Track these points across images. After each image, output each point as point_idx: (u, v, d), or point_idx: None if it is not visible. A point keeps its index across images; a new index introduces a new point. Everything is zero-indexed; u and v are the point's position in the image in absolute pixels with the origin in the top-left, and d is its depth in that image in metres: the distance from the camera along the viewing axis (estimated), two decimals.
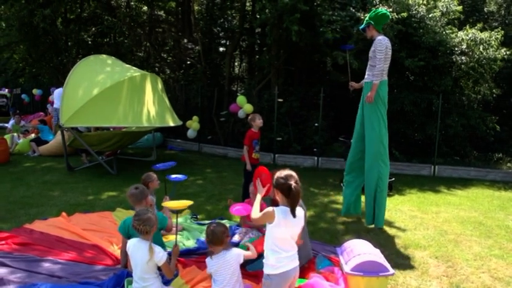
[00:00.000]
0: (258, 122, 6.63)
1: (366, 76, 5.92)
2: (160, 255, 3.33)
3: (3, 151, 9.99)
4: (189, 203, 3.76)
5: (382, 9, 6.01)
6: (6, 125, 15.02)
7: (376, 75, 5.66)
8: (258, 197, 3.35)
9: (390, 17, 5.80)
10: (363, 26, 5.87)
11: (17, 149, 11.52)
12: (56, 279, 3.80)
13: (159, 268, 3.48)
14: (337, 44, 10.79)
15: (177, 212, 3.75)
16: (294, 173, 3.09)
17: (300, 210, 3.12)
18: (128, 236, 3.93)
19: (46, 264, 4.08)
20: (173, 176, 5.26)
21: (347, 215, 6.42)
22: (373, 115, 5.84)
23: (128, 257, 3.73)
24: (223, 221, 5.71)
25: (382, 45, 5.57)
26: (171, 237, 4.82)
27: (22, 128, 13.52)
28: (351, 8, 11.14)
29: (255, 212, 3.17)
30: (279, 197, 3.08)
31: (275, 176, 3.11)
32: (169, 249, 4.08)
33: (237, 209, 4.11)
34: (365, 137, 5.96)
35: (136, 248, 3.36)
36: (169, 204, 3.79)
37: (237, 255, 3.29)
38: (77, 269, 4.04)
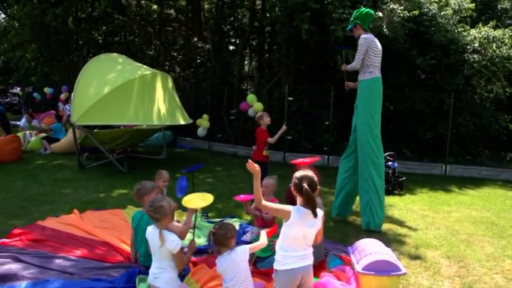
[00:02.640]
0: (266, 120, 6.68)
1: (359, 76, 5.91)
2: (175, 244, 3.28)
3: (16, 149, 10.09)
4: (210, 198, 3.64)
5: (366, 8, 6.05)
6: (18, 122, 15.16)
7: (351, 67, 5.81)
8: (257, 183, 3.13)
9: (374, 15, 5.90)
10: (349, 26, 5.92)
11: (29, 146, 11.62)
12: (68, 276, 3.83)
13: None
14: (348, 42, 10.73)
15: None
16: (310, 174, 3.11)
17: (319, 212, 3.12)
18: (134, 228, 4.05)
19: (58, 261, 4.11)
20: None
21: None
22: (362, 114, 5.80)
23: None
24: (234, 219, 5.73)
25: (362, 41, 5.65)
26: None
27: (38, 128, 13.52)
28: (362, 6, 11.06)
29: (257, 198, 3.04)
30: (298, 197, 3.10)
31: (293, 176, 3.14)
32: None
33: (240, 197, 4.21)
34: (356, 136, 5.95)
35: (151, 234, 3.37)
36: (189, 200, 3.68)
37: (242, 253, 3.23)
38: (89, 266, 4.07)
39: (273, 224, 4.51)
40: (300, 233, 3.03)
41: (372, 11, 5.93)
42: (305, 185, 2.99)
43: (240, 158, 12.02)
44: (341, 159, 6.33)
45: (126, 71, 9.59)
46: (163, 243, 3.26)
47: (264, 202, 3.07)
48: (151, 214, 3.34)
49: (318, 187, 3.14)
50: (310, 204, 3.00)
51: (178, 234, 3.97)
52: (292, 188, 3.13)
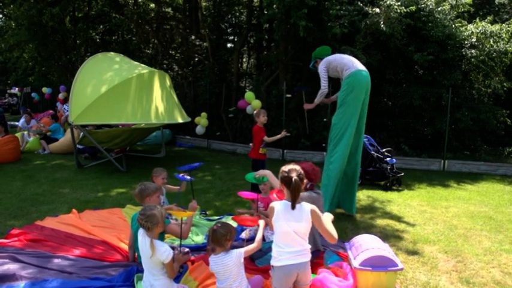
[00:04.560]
0: (262, 118, 6.71)
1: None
2: (166, 255, 3.27)
3: (15, 149, 10.09)
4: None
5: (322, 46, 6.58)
6: (16, 123, 15.15)
7: (321, 93, 6.23)
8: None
9: (331, 50, 6.49)
10: (311, 64, 6.45)
11: (28, 147, 11.63)
12: (67, 275, 3.84)
13: None
14: (346, 38, 10.74)
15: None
16: (298, 167, 3.18)
17: (307, 205, 3.14)
18: (134, 231, 3.99)
19: (57, 260, 4.12)
20: (181, 174, 5.11)
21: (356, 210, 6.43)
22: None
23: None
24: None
25: (320, 68, 6.13)
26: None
27: (37, 131, 13.45)
28: (359, 2, 11.07)
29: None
30: (285, 190, 3.15)
31: (280, 170, 3.21)
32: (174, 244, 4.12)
33: (245, 194, 4.25)
34: None
35: (142, 242, 3.36)
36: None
37: (236, 257, 3.24)
38: (87, 265, 4.08)
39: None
40: (289, 227, 3.07)
41: (327, 46, 6.50)
42: (294, 176, 3.05)
43: (239, 155, 12.04)
44: None
45: (123, 70, 9.59)
46: (154, 253, 3.25)
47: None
48: (142, 223, 3.30)
49: (305, 180, 3.19)
50: (294, 196, 3.06)
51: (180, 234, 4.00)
52: (280, 182, 3.20)
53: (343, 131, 5.93)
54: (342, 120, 5.96)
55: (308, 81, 13.34)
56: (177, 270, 3.66)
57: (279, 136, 6.76)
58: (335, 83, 6.18)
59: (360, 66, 5.97)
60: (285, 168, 3.18)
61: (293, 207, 3.06)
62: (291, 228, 3.06)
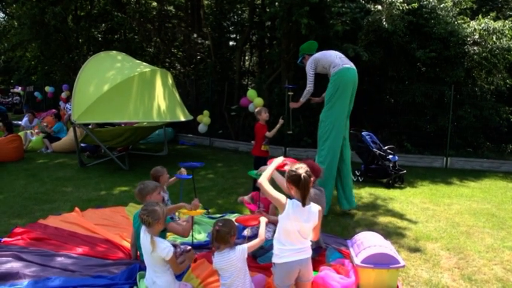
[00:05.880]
0: (264, 115, 6.74)
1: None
2: (166, 251, 3.26)
3: (17, 148, 10.12)
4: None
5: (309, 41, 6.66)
6: (19, 122, 15.19)
7: (307, 91, 6.37)
8: (273, 165, 3.41)
9: (317, 45, 6.58)
10: (299, 60, 6.52)
11: (30, 146, 11.66)
12: (69, 273, 3.86)
13: None
14: (348, 36, 10.71)
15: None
16: (304, 165, 3.15)
17: (315, 206, 3.14)
18: (136, 228, 4.02)
19: (60, 259, 4.14)
20: (180, 174, 5.22)
21: (357, 207, 6.43)
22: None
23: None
24: (234, 215, 5.73)
25: (308, 67, 6.24)
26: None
27: (41, 129, 13.44)
28: (361, 0, 11.03)
29: (264, 177, 3.18)
30: (293, 190, 3.12)
31: (287, 170, 3.18)
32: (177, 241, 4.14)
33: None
34: None
35: (143, 238, 3.36)
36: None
37: (241, 252, 3.25)
38: (90, 263, 4.10)
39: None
40: (294, 227, 3.05)
41: (314, 41, 6.58)
42: (302, 173, 3.02)
43: (241, 153, 12.05)
44: None
45: (125, 68, 9.60)
46: (155, 249, 3.25)
47: (265, 183, 3.14)
48: (144, 218, 3.30)
49: (312, 178, 3.18)
50: (305, 193, 3.03)
51: (181, 232, 4.02)
52: (286, 180, 3.16)
53: (331, 128, 6.01)
54: (329, 117, 6.06)
55: None
56: (185, 266, 3.68)
57: (277, 126, 6.78)
58: (325, 82, 6.19)
59: (346, 63, 6.02)
60: (292, 167, 3.14)
61: (303, 204, 3.04)
62: (296, 227, 3.06)
